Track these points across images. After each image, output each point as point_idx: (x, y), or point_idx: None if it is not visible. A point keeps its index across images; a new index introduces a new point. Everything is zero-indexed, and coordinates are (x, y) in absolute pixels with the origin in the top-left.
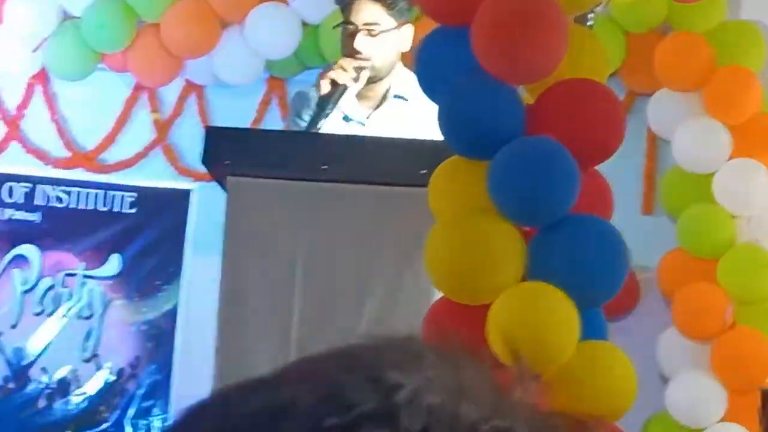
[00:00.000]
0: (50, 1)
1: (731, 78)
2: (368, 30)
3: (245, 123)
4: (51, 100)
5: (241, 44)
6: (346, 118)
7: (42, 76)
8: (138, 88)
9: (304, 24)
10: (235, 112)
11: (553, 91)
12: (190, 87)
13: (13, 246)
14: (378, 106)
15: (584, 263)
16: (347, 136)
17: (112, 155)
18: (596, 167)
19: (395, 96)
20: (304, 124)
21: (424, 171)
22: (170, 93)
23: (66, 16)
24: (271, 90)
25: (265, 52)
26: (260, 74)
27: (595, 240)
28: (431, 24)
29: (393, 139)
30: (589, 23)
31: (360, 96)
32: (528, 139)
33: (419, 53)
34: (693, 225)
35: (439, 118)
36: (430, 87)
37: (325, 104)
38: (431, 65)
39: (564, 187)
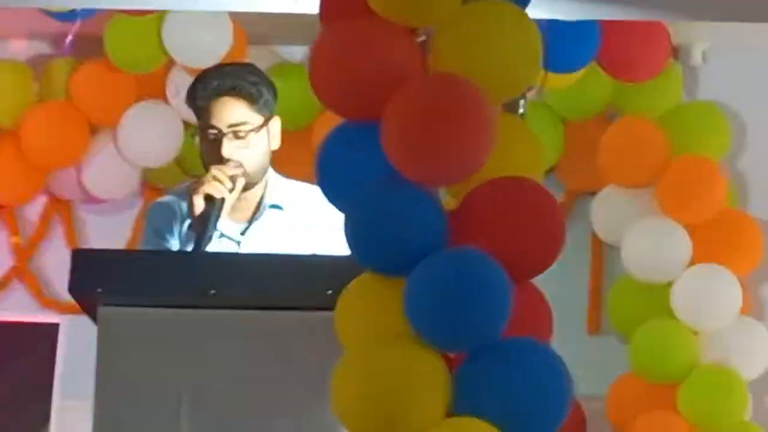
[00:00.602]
0: None
1: (689, 169)
2: (234, 132)
3: (120, 244)
4: None
5: (113, 151)
6: (221, 235)
7: None
8: None
9: (186, 124)
10: (108, 232)
11: (478, 194)
12: (55, 203)
13: None
14: (252, 219)
15: (520, 395)
16: (237, 255)
17: None
18: (532, 280)
19: (270, 206)
20: (171, 244)
21: (330, 292)
22: (32, 211)
23: None
24: (149, 203)
25: (142, 159)
26: (136, 186)
27: (532, 367)
28: (334, 119)
29: (292, 256)
30: (520, 111)
31: (230, 209)
32: (450, 251)
33: (321, 154)
34: (648, 345)
35: (346, 230)
36: (334, 193)
37: (206, 224)
38: (335, 167)
39: (493, 306)
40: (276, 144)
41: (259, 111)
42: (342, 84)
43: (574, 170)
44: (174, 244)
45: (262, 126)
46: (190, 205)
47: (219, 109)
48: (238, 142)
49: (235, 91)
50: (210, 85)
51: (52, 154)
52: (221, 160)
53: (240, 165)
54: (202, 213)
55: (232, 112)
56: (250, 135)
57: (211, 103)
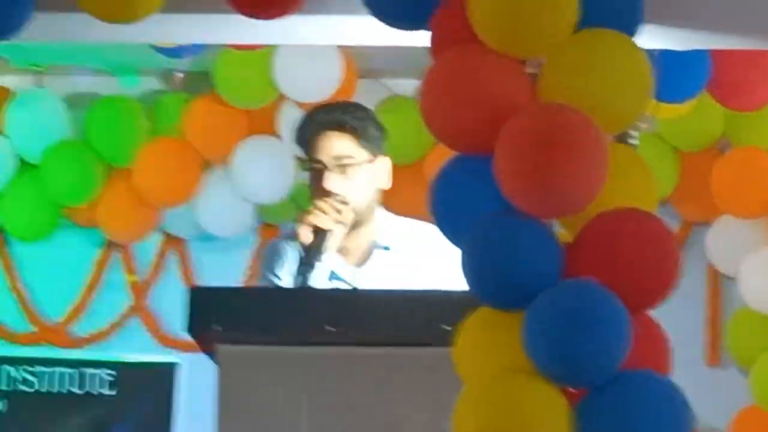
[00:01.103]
0: (2, 147)
1: None
2: (339, 166)
3: (236, 281)
4: (9, 265)
5: (227, 188)
6: (333, 276)
7: None
8: (110, 246)
9: (300, 160)
10: (224, 269)
11: (593, 226)
12: (170, 241)
13: None
14: (362, 262)
15: (640, 428)
16: (353, 292)
17: (83, 327)
18: (649, 313)
19: (377, 247)
20: (280, 282)
21: (448, 328)
22: (147, 250)
23: (22, 165)
24: (265, 240)
25: (256, 195)
26: (251, 222)
27: (653, 401)
28: (446, 153)
29: (407, 292)
30: (632, 142)
31: (341, 250)
32: (567, 283)
33: (434, 187)
34: None
35: (463, 264)
36: (449, 227)
37: (310, 255)
38: (449, 201)
39: (613, 339)
40: (387, 184)
41: (365, 147)
42: (453, 116)
43: (689, 200)
44: (281, 285)
45: (367, 161)
46: (298, 236)
47: (324, 143)
48: (342, 176)
49: (340, 126)
50: (317, 120)
51: (166, 191)
52: (325, 194)
53: (344, 200)
54: (308, 245)
55: (336, 145)
56: (354, 169)
57: (316, 137)
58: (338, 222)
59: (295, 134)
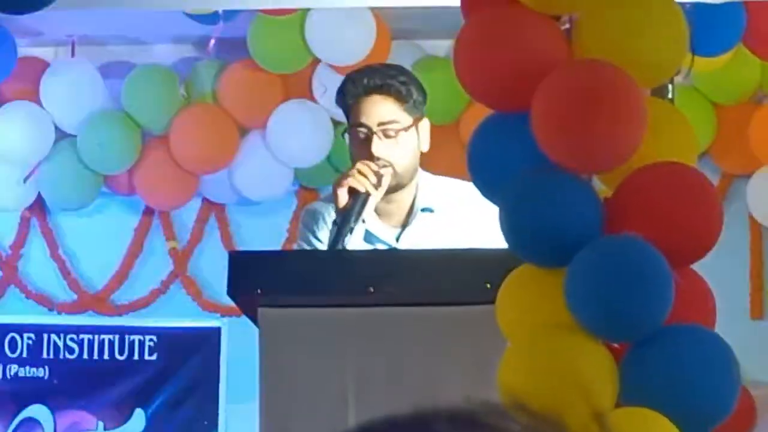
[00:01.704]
0: (41, 118)
1: None
2: (384, 131)
3: (276, 245)
4: (50, 235)
5: (265, 153)
6: (368, 238)
7: (37, 208)
8: (149, 213)
9: (336, 123)
10: (264, 233)
11: (633, 180)
12: (209, 207)
13: (21, 408)
14: (405, 224)
15: (688, 382)
16: (394, 252)
17: (125, 294)
18: (692, 266)
19: (422, 209)
20: (321, 245)
21: (489, 285)
22: (187, 216)
23: (60, 136)
24: (304, 203)
25: (293, 159)
26: (289, 186)
27: (699, 354)
28: (482, 112)
29: (449, 251)
30: (669, 96)
31: (381, 212)
32: (608, 239)
33: (472, 146)
34: None
35: (501, 222)
36: (487, 185)
37: (347, 217)
38: (487, 160)
39: (656, 293)
40: (426, 146)
41: (409, 111)
42: (488, 75)
43: (728, 153)
44: (322, 248)
45: (411, 125)
46: (335, 198)
47: (368, 107)
48: (387, 141)
49: (384, 89)
50: (360, 84)
51: (203, 157)
52: (371, 159)
53: (389, 164)
54: (344, 206)
55: (381, 110)
56: (400, 134)
57: (360, 101)
58: (376, 186)
59: (336, 98)
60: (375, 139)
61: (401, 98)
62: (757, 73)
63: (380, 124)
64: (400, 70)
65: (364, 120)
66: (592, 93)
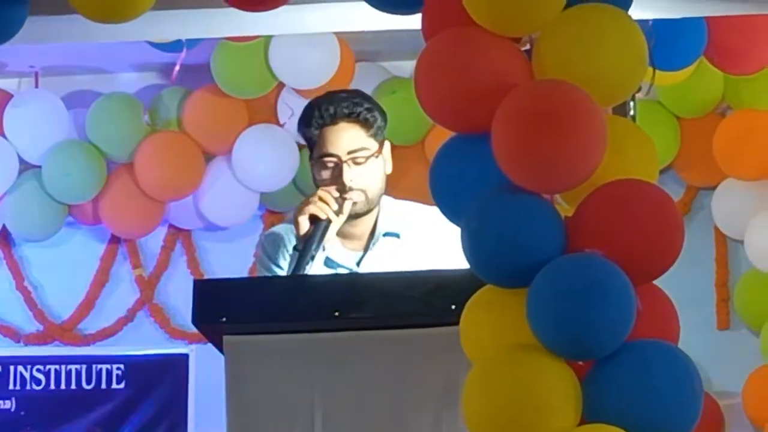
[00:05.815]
0: (4, 150)
1: None
2: (353, 159)
3: (243, 269)
4: (15, 266)
5: (230, 178)
6: (329, 263)
7: (2, 239)
8: (115, 242)
9: (301, 146)
10: (231, 258)
11: (594, 198)
12: (176, 234)
13: None
14: (367, 248)
15: (650, 397)
16: (358, 275)
17: (92, 323)
18: (654, 282)
19: (385, 234)
20: (281, 272)
21: (454, 306)
22: (153, 243)
23: (24, 167)
24: (270, 227)
25: (259, 184)
26: (255, 211)
27: (660, 368)
28: (446, 133)
29: (413, 273)
30: (630, 113)
31: (343, 235)
32: (570, 258)
33: (433, 169)
34: None
35: (463, 244)
36: (449, 207)
37: (308, 245)
38: (449, 182)
39: (618, 310)
40: (389, 167)
41: (373, 136)
42: (448, 97)
43: (692, 166)
44: (282, 274)
45: (378, 150)
46: (296, 225)
47: (336, 136)
48: (357, 168)
49: (352, 117)
50: (326, 112)
51: (168, 184)
52: (343, 187)
53: (363, 191)
54: (305, 234)
55: (349, 138)
56: (369, 161)
57: (326, 130)
58: (337, 213)
59: (300, 126)
60: (345, 167)
61: (367, 125)
62: (720, 86)
63: (350, 152)
64: (363, 96)
65: (332, 150)
66: (550, 113)
